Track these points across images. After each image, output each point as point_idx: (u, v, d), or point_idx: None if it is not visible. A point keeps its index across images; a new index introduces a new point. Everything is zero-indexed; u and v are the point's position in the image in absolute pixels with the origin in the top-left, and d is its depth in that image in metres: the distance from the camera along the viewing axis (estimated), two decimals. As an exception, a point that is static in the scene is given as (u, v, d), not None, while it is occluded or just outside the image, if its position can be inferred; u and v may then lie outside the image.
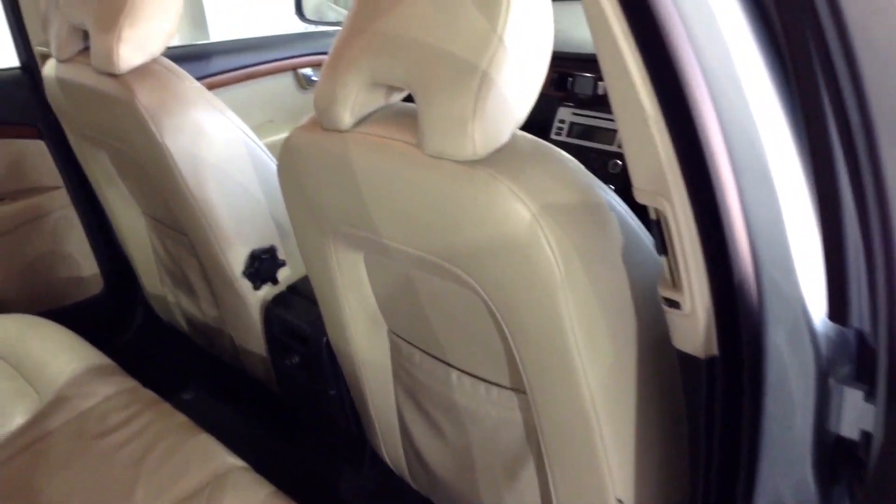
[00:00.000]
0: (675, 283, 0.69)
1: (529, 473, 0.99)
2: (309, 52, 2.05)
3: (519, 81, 0.73)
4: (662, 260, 0.70)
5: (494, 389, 0.97)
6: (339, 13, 2.37)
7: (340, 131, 0.86)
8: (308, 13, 2.19)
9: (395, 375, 1.15)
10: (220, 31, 3.61)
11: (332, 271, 1.04)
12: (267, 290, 1.39)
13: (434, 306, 0.96)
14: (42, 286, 1.75)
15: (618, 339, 0.78)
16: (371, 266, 1.02)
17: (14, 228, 1.66)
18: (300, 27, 2.18)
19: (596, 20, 0.61)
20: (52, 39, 1.34)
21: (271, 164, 1.31)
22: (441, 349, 1.02)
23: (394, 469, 1.27)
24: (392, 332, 1.11)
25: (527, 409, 0.93)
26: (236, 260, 1.33)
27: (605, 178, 1.53)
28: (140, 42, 1.18)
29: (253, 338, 1.43)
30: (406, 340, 1.08)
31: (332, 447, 1.51)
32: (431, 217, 0.79)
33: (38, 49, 1.58)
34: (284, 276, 1.40)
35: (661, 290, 0.71)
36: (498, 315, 0.82)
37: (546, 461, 0.91)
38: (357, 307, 1.08)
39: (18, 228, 1.67)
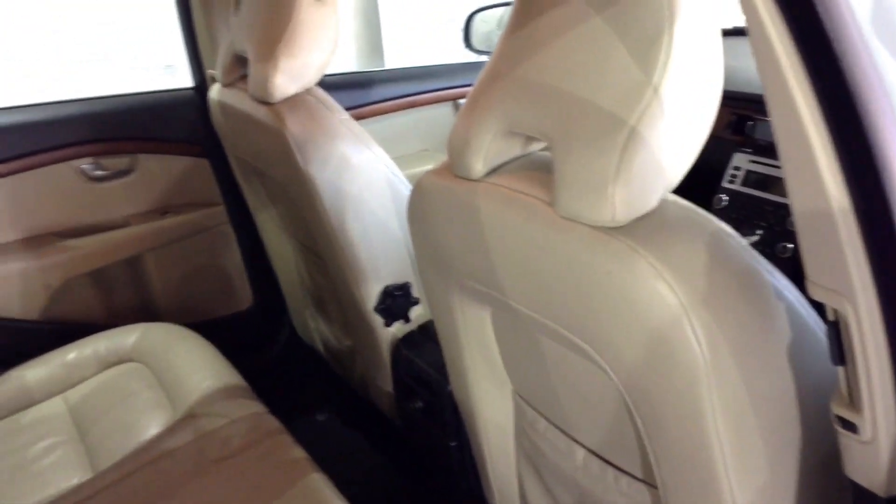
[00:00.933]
0: (854, 402, 0.56)
1: (658, 579, 0.86)
2: (470, 83, 2.01)
3: (674, 139, 0.62)
4: (839, 370, 0.57)
5: (624, 478, 0.86)
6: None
7: (471, 180, 0.79)
8: (476, 42, 2.16)
9: (518, 439, 1.06)
10: (395, 59, 3.70)
11: (457, 323, 0.97)
12: (398, 328, 1.35)
13: (561, 377, 0.86)
14: (196, 298, 1.83)
15: (774, 454, 0.64)
16: (498, 323, 0.94)
17: (176, 241, 1.74)
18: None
19: (768, 76, 0.50)
20: (218, 64, 1.38)
21: None
22: (567, 422, 0.92)
23: (510, 537, 1.17)
24: (518, 395, 1.02)
25: (660, 508, 0.81)
26: (369, 294, 1.30)
27: (782, 236, 1.36)
28: (295, 73, 1.18)
29: (381, 374, 1.39)
30: (531, 405, 0.99)
31: (450, 498, 1.44)
32: (560, 285, 0.69)
33: (209, 72, 1.65)
34: (417, 314, 1.35)
35: (835, 406, 0.57)
36: (629, 401, 0.71)
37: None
38: (481, 363, 1.00)
39: (181, 241, 1.75)
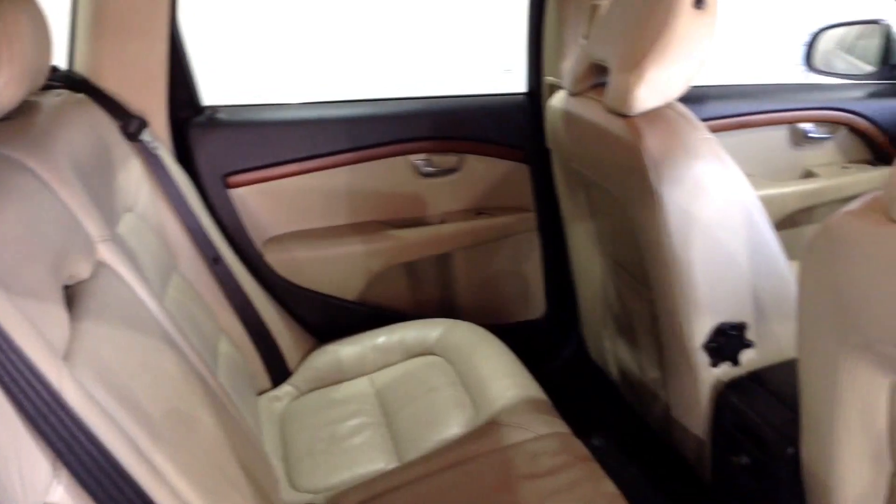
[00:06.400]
0: None
1: None
2: (811, 105, 1.81)
3: None
4: None
5: None
6: (850, 63, 2.08)
7: None
8: (818, 62, 1.95)
9: (887, 532, 0.90)
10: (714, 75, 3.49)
11: (838, 388, 0.83)
12: (724, 371, 1.23)
13: None
14: (493, 300, 1.84)
15: None
16: (901, 396, 0.79)
17: (484, 242, 1.76)
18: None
19: None
20: (567, 72, 1.35)
21: (767, 232, 1.15)
22: None
23: None
24: None
25: None
26: (700, 329, 1.19)
27: None
28: (660, 85, 1.11)
29: (694, 417, 1.28)
30: None
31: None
32: None
33: (547, 79, 1.64)
34: (747, 359, 1.22)
35: None
36: None
37: None
38: (858, 437, 0.86)
39: (488, 243, 1.77)
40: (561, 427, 1.27)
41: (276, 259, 1.63)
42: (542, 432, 1.24)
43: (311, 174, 1.62)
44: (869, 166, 1.85)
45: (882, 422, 0.83)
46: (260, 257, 1.62)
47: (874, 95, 1.85)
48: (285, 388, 1.53)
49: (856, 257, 0.73)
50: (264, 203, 1.61)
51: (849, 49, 2.11)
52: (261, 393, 1.52)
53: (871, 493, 0.89)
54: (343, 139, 1.62)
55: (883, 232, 0.70)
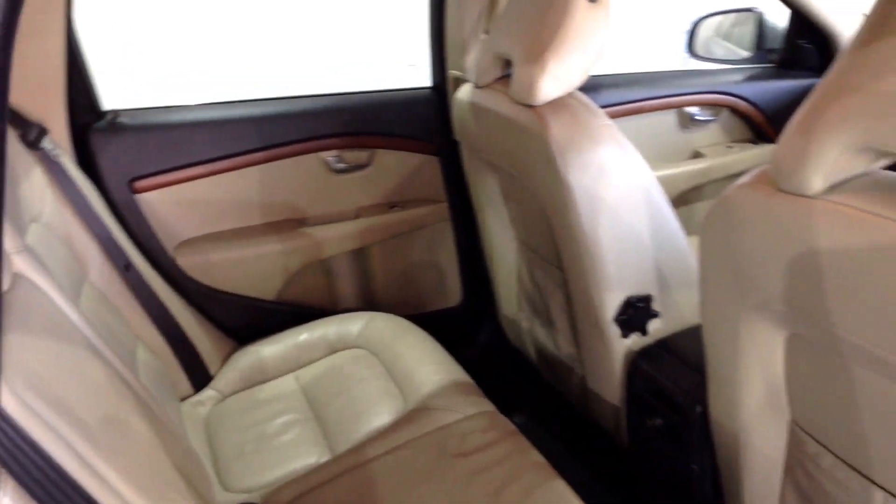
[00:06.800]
0: None
1: None
2: (696, 90, 1.93)
3: None
4: None
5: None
6: (728, 49, 2.23)
7: (804, 196, 0.74)
8: (698, 48, 2.09)
9: (788, 471, 0.99)
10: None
11: (740, 345, 0.92)
12: (634, 341, 1.31)
13: (877, 413, 0.79)
14: (410, 291, 1.87)
15: None
16: (795, 349, 0.88)
17: (399, 234, 1.79)
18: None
19: None
20: (472, 65, 1.40)
21: (666, 210, 1.23)
22: (867, 462, 0.84)
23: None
24: (796, 425, 0.95)
25: None
26: (611, 304, 1.26)
27: None
28: (561, 75, 1.17)
29: (609, 387, 1.36)
30: (815, 439, 0.92)
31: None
32: None
33: (451, 73, 1.68)
34: (654, 328, 1.31)
35: None
36: None
37: None
38: (758, 388, 0.95)
39: (403, 235, 1.80)
40: (487, 406, 1.32)
41: (190, 263, 1.61)
42: (469, 412, 1.29)
43: (220, 175, 1.60)
44: (750, 145, 2.00)
45: (779, 373, 0.92)
46: (172, 262, 1.59)
47: (751, 78, 1.99)
48: (208, 393, 1.51)
49: (749, 225, 0.81)
50: (174, 207, 1.59)
51: (726, 36, 2.26)
52: (183, 399, 1.50)
53: (773, 439, 0.98)
54: (252, 138, 1.61)
55: (772, 202, 0.77)
